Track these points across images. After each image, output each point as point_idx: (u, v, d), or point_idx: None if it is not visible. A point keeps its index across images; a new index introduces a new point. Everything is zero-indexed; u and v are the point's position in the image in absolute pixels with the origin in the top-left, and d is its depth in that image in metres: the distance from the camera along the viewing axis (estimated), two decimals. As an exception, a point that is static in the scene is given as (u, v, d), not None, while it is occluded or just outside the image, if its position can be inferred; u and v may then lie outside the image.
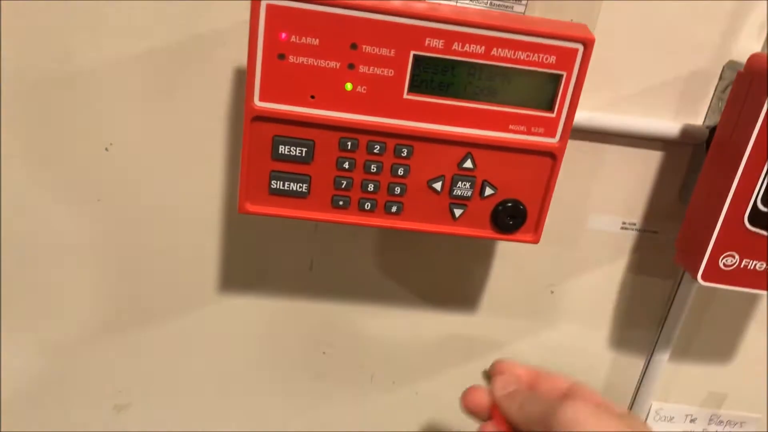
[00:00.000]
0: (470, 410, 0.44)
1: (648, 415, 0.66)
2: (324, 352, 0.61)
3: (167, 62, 0.48)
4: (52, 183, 0.51)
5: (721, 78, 0.52)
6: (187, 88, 0.49)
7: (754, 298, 0.62)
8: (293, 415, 0.64)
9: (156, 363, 0.60)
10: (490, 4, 0.48)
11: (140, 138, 0.51)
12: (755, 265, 0.49)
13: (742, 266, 0.49)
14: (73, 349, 0.58)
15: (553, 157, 0.45)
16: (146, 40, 0.48)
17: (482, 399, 0.43)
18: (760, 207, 0.47)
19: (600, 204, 0.56)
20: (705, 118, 0.54)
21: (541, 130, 0.44)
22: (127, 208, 0.53)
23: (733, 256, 0.49)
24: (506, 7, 0.48)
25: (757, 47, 0.51)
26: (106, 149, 0.51)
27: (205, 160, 0.52)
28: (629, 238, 0.58)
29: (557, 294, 0.60)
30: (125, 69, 0.48)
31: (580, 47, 0.42)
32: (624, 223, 0.57)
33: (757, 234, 0.48)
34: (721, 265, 0.49)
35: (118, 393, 0.61)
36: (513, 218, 0.47)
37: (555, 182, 0.46)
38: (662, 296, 0.61)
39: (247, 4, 0.45)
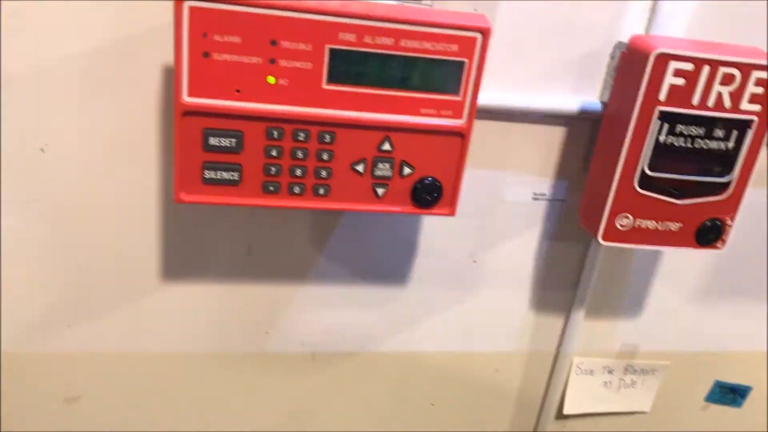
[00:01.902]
0: None
1: (570, 369, 0.72)
2: (267, 332, 0.65)
3: (98, 63, 0.51)
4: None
5: (612, 57, 0.58)
6: (119, 87, 0.52)
7: (656, 255, 0.69)
8: (238, 394, 0.67)
9: (104, 353, 0.62)
10: (401, -2, 0.52)
11: (75, 138, 0.53)
12: (647, 224, 0.55)
13: (635, 226, 0.55)
14: (20, 344, 0.60)
15: (461, 136, 0.50)
16: (77, 43, 0.50)
17: None
18: (648, 172, 0.53)
19: (512, 178, 0.62)
20: (600, 95, 0.59)
21: (450, 112, 0.49)
22: (66, 207, 0.55)
23: (628, 217, 0.55)
24: (415, 1, 0.53)
25: (641, 28, 0.57)
26: (42, 150, 0.53)
27: (140, 155, 0.54)
28: (541, 207, 0.64)
29: (480, 263, 0.65)
30: (57, 71, 0.50)
31: (479, 36, 0.47)
32: (535, 193, 0.63)
33: (647, 196, 0.54)
34: (617, 225, 0.55)
35: (67, 386, 0.63)
36: (430, 194, 0.51)
37: (465, 159, 0.51)
38: (574, 259, 0.67)
39: (172, 5, 0.48)
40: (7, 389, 0.61)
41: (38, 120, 0.52)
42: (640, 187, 0.54)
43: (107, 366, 0.63)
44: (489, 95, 0.56)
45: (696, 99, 0.50)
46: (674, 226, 0.55)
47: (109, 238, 0.57)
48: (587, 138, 0.61)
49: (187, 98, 0.45)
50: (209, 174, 0.48)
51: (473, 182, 0.61)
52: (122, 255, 0.58)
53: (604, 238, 0.55)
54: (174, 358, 0.64)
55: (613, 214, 0.54)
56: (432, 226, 0.62)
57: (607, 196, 0.53)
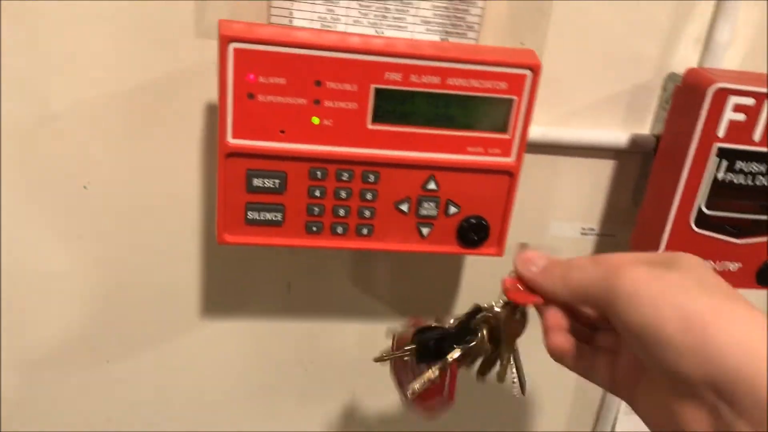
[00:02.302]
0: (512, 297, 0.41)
1: (618, 409, 0.70)
2: (305, 370, 0.64)
3: (141, 101, 0.50)
4: (36, 220, 0.53)
5: (664, 89, 0.56)
6: (161, 125, 0.51)
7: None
8: (277, 430, 0.66)
9: (142, 390, 0.62)
10: (445, 32, 0.51)
11: (117, 175, 0.53)
12: (704, 263, 0.53)
13: (691, 265, 0.53)
14: (59, 379, 0.60)
15: (510, 174, 0.49)
16: (120, 81, 0.50)
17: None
18: (705, 210, 0.51)
19: (560, 212, 0.60)
20: (651, 127, 0.57)
21: (498, 150, 0.48)
22: (108, 244, 0.55)
23: (683, 256, 0.52)
24: (459, 34, 0.51)
25: (694, 59, 0.55)
26: (85, 187, 0.53)
27: (181, 193, 0.54)
28: (589, 242, 0.62)
29: (525, 299, 0.63)
30: (100, 109, 0.50)
31: (529, 73, 0.45)
32: (583, 228, 0.61)
33: (704, 235, 0.52)
34: (672, 265, 0.52)
35: (106, 421, 0.63)
36: (477, 233, 0.50)
37: (514, 198, 0.49)
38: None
39: (213, 44, 0.48)
40: (46, 424, 0.61)
41: (81, 157, 0.52)
42: (697, 226, 0.51)
43: (146, 401, 0.62)
44: (535, 129, 0.54)
45: (757, 135, 0.48)
46: (733, 266, 0.53)
47: (150, 274, 0.57)
48: (637, 172, 0.59)
49: (231, 140, 0.45)
50: (252, 215, 0.47)
51: (518, 217, 0.58)
52: (163, 291, 0.58)
53: (659, 279, 0.53)
54: (212, 394, 0.63)
55: (667, 254, 0.52)
56: (476, 262, 0.61)
57: (661, 234, 0.51)
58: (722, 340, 0.30)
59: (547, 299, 0.39)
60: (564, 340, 0.39)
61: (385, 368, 0.64)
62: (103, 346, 0.59)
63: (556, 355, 0.39)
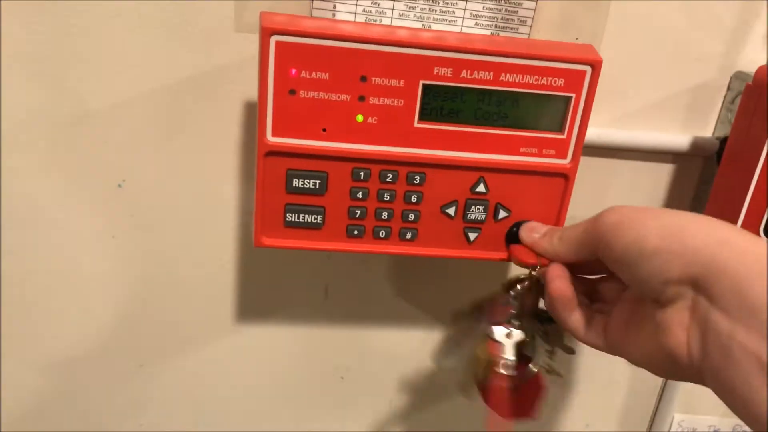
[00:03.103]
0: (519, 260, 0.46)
1: (671, 426, 0.66)
2: (342, 377, 0.61)
3: (177, 99, 0.49)
4: (71, 219, 0.52)
5: (729, 89, 0.52)
6: (198, 123, 0.50)
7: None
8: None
9: (175, 395, 0.60)
10: (495, 26, 0.49)
11: (153, 174, 0.51)
12: (773, 275, 0.49)
13: (759, 277, 0.49)
14: (91, 382, 0.58)
15: (565, 177, 0.46)
16: (155, 78, 0.48)
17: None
18: (775, 218, 0.47)
19: (613, 219, 0.56)
20: (714, 130, 0.54)
21: (553, 151, 0.45)
22: (142, 244, 0.53)
23: (750, 268, 0.49)
24: (511, 29, 0.49)
25: (762, 57, 0.51)
26: (120, 186, 0.51)
27: (217, 193, 0.52)
28: (643, 251, 0.58)
29: (574, 310, 0.60)
30: (136, 107, 0.49)
31: (588, 69, 0.42)
32: (638, 236, 0.57)
33: (774, 244, 0.48)
34: (738, 277, 0.49)
35: (139, 426, 0.61)
36: (528, 240, 0.47)
37: (568, 202, 0.46)
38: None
39: (253, 39, 0.46)
40: (80, 426, 0.60)
41: (116, 156, 0.50)
42: (767, 235, 0.48)
43: (178, 406, 0.61)
44: (590, 130, 0.51)
45: (837, 137, 0.44)
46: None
47: (184, 276, 0.55)
48: (698, 176, 0.55)
49: (271, 138, 0.43)
50: (291, 217, 0.45)
51: (569, 221, 0.56)
52: (197, 295, 0.56)
53: (723, 291, 0.49)
54: (246, 400, 0.61)
55: (734, 265, 0.48)
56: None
57: (727, 244, 0.48)
58: (699, 238, 0.34)
59: (549, 259, 0.44)
60: (566, 287, 0.42)
61: (422, 378, 0.62)
62: (136, 349, 0.58)
63: (559, 301, 0.42)
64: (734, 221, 0.48)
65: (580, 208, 0.54)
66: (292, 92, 0.41)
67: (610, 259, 0.39)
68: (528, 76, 0.42)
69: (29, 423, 0.59)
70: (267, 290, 0.56)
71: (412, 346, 0.60)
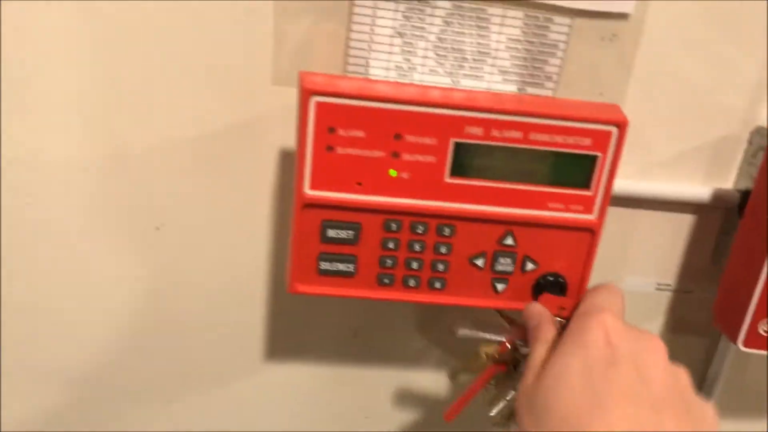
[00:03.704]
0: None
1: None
2: (366, 417, 0.62)
3: (215, 145, 0.51)
4: (106, 259, 0.53)
5: (750, 143, 0.54)
6: (234, 170, 0.51)
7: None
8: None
9: (202, 429, 0.61)
10: (522, 82, 0.50)
11: (190, 218, 0.53)
12: (795, 329, 0.50)
13: (782, 331, 0.50)
14: (119, 416, 0.60)
15: (591, 232, 0.47)
16: (194, 125, 0.50)
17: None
18: (797, 273, 0.48)
19: (635, 267, 0.58)
20: (735, 182, 0.55)
21: (580, 207, 0.46)
22: (176, 285, 0.55)
23: (774, 322, 0.50)
24: (536, 84, 0.50)
25: (782, 113, 0.53)
26: (158, 228, 0.53)
27: (251, 237, 0.54)
28: (664, 298, 0.59)
29: (596, 355, 0.61)
30: (176, 152, 0.50)
31: (614, 129, 0.44)
32: (659, 284, 0.58)
33: (796, 299, 0.49)
34: (761, 331, 0.50)
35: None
36: (554, 291, 0.48)
37: (594, 256, 0.47)
38: (699, 354, 0.61)
39: (288, 91, 0.48)
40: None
41: (155, 199, 0.52)
42: (789, 289, 0.49)
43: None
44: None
45: None
46: (829, 334, 0.50)
47: (215, 317, 0.57)
48: (718, 227, 0.56)
49: (309, 191, 0.44)
50: (325, 265, 0.47)
51: (592, 269, 0.57)
52: (227, 334, 0.58)
53: (746, 345, 0.50)
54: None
55: (756, 319, 0.49)
56: (546, 315, 0.59)
57: (750, 298, 0.49)
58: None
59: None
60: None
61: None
62: (165, 385, 0.59)
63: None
64: (757, 272, 0.49)
65: (601, 258, 0.56)
66: (330, 149, 0.43)
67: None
68: (556, 136, 0.44)
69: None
70: (296, 331, 0.58)
71: (438, 393, 0.61)
